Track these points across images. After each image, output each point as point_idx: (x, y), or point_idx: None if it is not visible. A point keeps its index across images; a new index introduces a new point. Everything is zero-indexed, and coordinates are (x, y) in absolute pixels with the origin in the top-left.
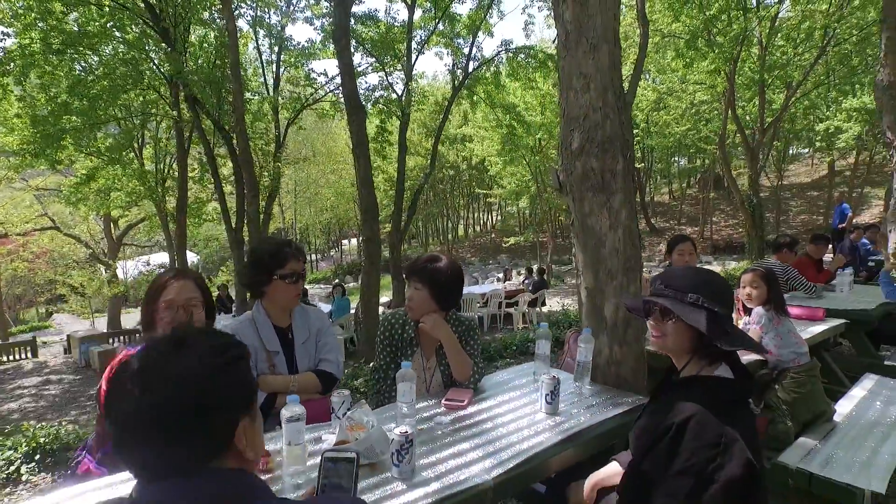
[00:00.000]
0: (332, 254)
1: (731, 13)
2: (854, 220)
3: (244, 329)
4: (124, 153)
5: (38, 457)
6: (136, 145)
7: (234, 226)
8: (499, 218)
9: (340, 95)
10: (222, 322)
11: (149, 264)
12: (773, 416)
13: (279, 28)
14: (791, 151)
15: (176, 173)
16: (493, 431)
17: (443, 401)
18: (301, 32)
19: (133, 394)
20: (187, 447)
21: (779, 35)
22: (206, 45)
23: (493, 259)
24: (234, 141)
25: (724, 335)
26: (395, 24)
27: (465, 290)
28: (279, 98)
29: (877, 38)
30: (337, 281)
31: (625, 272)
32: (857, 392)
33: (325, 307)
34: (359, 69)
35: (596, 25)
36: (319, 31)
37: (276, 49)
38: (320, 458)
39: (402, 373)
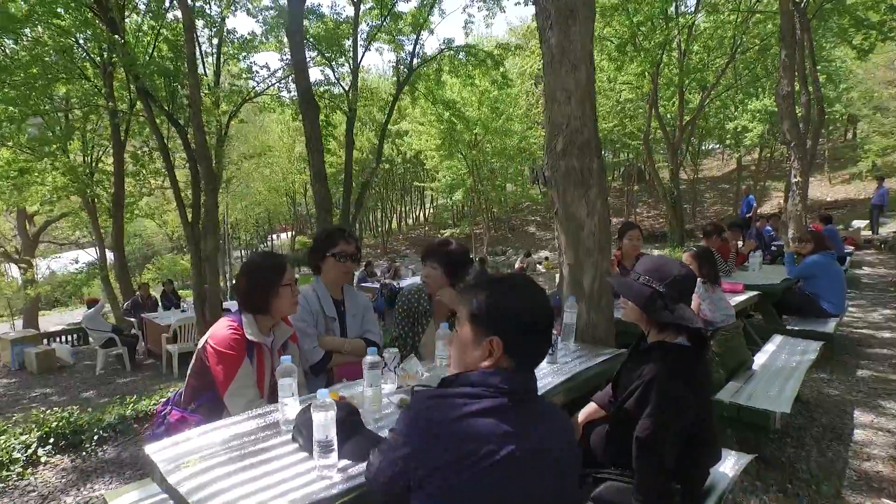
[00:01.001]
0: (261, 249)
1: (655, 21)
2: (759, 211)
3: (310, 297)
4: (54, 146)
5: (52, 440)
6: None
7: (189, 220)
8: (431, 210)
9: (282, 89)
10: (174, 318)
11: (77, 262)
12: (709, 367)
13: (220, 19)
14: (704, 147)
15: (106, 167)
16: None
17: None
18: (242, 24)
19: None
20: None
21: (696, 43)
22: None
23: None
24: (190, 135)
25: (661, 311)
26: (341, 20)
27: (408, 281)
28: (220, 91)
29: (776, 49)
30: None
31: (599, 251)
32: (769, 348)
33: None
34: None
35: (576, 50)
36: (262, 24)
37: (215, 41)
38: (411, 391)
39: (282, 368)
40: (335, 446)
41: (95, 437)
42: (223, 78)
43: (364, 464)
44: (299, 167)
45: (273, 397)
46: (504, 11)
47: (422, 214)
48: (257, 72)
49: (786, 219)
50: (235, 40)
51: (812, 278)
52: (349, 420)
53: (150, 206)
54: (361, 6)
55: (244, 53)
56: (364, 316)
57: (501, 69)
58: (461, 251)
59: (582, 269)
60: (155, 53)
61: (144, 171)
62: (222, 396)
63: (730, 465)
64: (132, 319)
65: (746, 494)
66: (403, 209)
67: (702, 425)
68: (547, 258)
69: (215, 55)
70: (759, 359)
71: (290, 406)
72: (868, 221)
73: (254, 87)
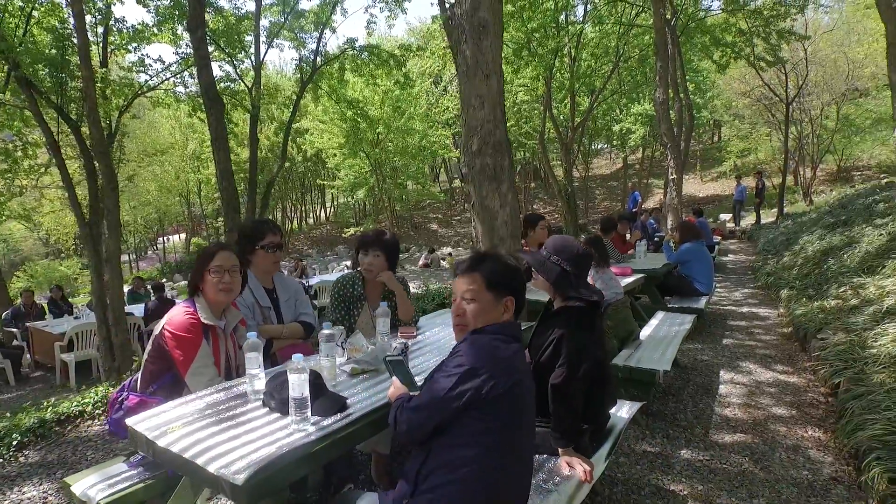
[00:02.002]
0: (150, 253)
1: (548, 29)
2: (643, 205)
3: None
4: None
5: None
6: None
7: (86, 220)
8: (332, 210)
9: (178, 84)
10: (68, 325)
11: None
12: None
13: (105, 6)
14: (594, 147)
15: None
16: (436, 346)
17: (399, 333)
18: (132, 13)
19: None
20: None
21: (584, 50)
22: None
23: (331, 250)
24: (85, 130)
25: (567, 286)
26: (241, 14)
27: (317, 279)
28: (113, 84)
29: (653, 59)
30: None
31: (511, 237)
32: (653, 322)
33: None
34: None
35: (488, 61)
36: (154, 14)
37: (100, 30)
38: (384, 361)
39: (248, 344)
40: (309, 403)
41: (14, 443)
42: (112, 70)
43: (330, 419)
44: (193, 166)
45: (229, 376)
46: (406, 13)
47: (323, 213)
48: (150, 65)
49: (665, 212)
50: (125, 30)
51: (687, 263)
52: (315, 383)
53: (25, 206)
54: (263, 1)
55: (134, 45)
56: (297, 300)
57: (404, 69)
58: (396, 239)
59: None
60: (28, 39)
61: (17, 168)
62: (183, 377)
63: (625, 410)
64: (14, 330)
65: (638, 441)
66: (304, 209)
67: (602, 370)
68: (450, 254)
69: (101, 45)
70: (645, 331)
71: (257, 377)
72: (731, 215)
73: (146, 81)
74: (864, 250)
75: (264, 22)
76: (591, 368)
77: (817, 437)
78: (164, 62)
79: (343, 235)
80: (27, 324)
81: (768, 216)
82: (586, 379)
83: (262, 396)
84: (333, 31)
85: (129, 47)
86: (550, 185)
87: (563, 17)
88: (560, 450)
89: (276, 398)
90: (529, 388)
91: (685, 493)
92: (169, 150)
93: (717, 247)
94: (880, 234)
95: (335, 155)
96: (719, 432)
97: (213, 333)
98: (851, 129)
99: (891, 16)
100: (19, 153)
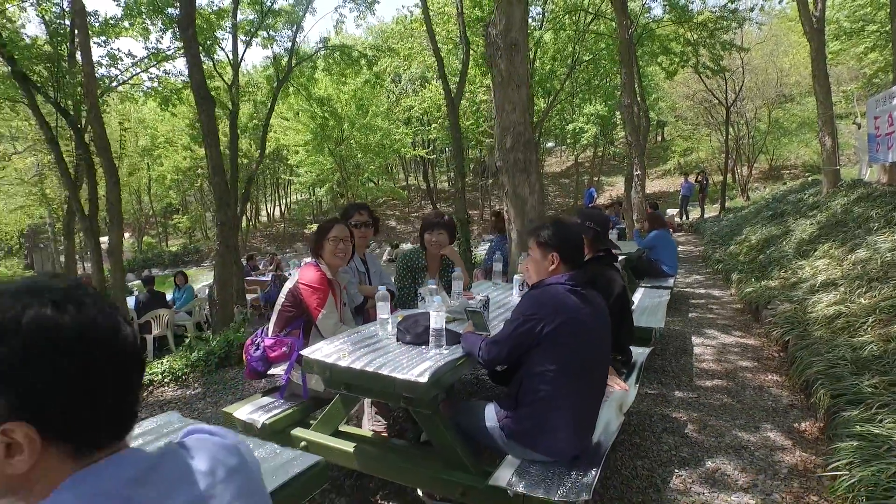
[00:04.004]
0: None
1: None
2: (597, 201)
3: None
4: None
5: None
6: None
7: (86, 214)
8: (287, 207)
9: (152, 78)
10: None
11: None
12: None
13: None
14: (546, 146)
15: None
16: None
17: (462, 297)
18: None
19: None
20: None
21: (545, 55)
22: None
23: (290, 247)
24: (84, 126)
25: (598, 241)
26: (213, 9)
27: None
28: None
29: (605, 63)
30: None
31: (538, 220)
32: (636, 296)
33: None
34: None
35: (520, 73)
36: (121, 6)
37: (66, 22)
38: (465, 310)
39: (381, 294)
40: (444, 334)
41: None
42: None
43: (453, 347)
44: (144, 163)
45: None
46: (374, 14)
47: (277, 211)
48: (121, 59)
49: (628, 205)
50: (95, 24)
51: (655, 248)
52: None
53: None
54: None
55: (103, 38)
56: (381, 273)
57: (375, 69)
58: (453, 220)
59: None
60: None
61: None
62: (315, 320)
63: (638, 353)
64: None
65: (640, 387)
66: (260, 205)
67: (626, 305)
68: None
69: (69, 37)
70: (634, 302)
71: (387, 321)
72: (679, 210)
73: (117, 76)
74: (799, 238)
75: (241, 17)
76: (620, 296)
77: (775, 379)
78: (133, 56)
79: (305, 231)
80: None
81: (711, 211)
82: (615, 306)
83: (394, 334)
84: (302, 29)
85: (99, 41)
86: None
87: None
88: None
89: (411, 333)
90: (583, 322)
91: (684, 418)
92: (125, 145)
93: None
94: (811, 224)
95: (297, 152)
96: (701, 379)
97: (332, 287)
98: (780, 130)
99: (813, 35)
100: None
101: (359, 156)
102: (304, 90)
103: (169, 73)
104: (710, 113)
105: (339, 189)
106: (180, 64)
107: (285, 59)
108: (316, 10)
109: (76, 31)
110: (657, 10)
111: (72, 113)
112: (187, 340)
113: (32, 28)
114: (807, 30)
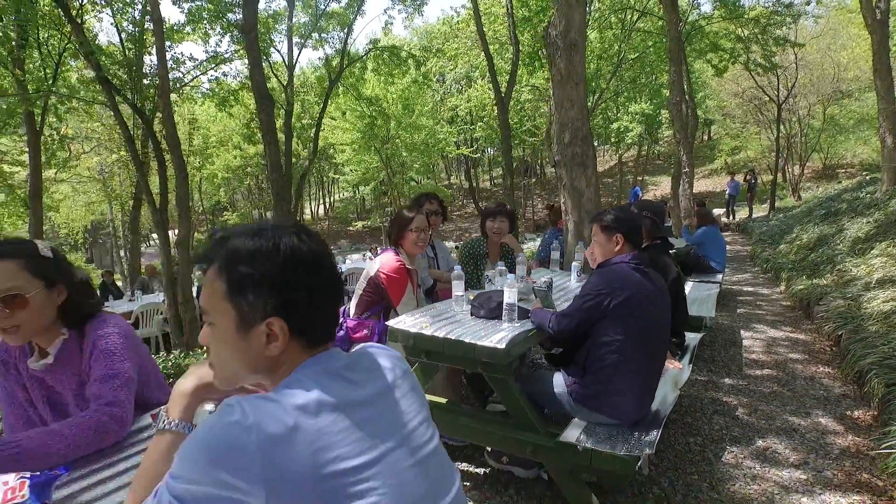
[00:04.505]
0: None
1: None
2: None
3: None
4: None
5: None
6: None
7: (157, 206)
8: (330, 205)
9: (211, 80)
10: (126, 306)
11: None
12: None
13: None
14: None
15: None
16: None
17: (526, 280)
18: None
19: None
20: None
21: (591, 54)
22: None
23: (334, 244)
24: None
25: (656, 230)
26: (269, 14)
27: (350, 265)
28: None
29: (653, 60)
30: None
31: (594, 211)
32: (687, 288)
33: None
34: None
35: (578, 72)
36: (185, 13)
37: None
38: (533, 290)
39: (456, 273)
40: (516, 308)
41: None
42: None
43: (524, 321)
44: (199, 161)
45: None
46: (423, 15)
47: (320, 209)
48: (184, 62)
49: (675, 203)
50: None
51: (703, 244)
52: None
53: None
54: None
55: (168, 43)
56: (447, 258)
57: (423, 69)
58: (513, 210)
59: (583, 224)
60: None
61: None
62: (395, 307)
63: (691, 337)
64: None
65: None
66: (305, 204)
67: (680, 288)
68: (457, 247)
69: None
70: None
71: (463, 296)
72: (725, 209)
73: (180, 78)
74: (854, 237)
75: (295, 22)
76: (675, 280)
77: (827, 371)
78: (194, 59)
79: (349, 229)
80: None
81: (760, 211)
82: (671, 290)
83: (467, 310)
84: (351, 30)
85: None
86: (547, 181)
87: None
88: None
89: (485, 308)
90: (647, 296)
91: (734, 402)
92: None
93: None
94: (867, 223)
95: (344, 150)
96: (750, 369)
97: (411, 276)
98: (836, 128)
99: (876, 27)
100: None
101: (404, 154)
102: (354, 90)
103: (226, 75)
104: (760, 110)
105: (383, 187)
106: (235, 66)
107: (336, 60)
108: (365, 12)
109: (144, 38)
110: (706, 7)
111: (147, 113)
112: None
113: (103, 37)
114: (869, 22)
